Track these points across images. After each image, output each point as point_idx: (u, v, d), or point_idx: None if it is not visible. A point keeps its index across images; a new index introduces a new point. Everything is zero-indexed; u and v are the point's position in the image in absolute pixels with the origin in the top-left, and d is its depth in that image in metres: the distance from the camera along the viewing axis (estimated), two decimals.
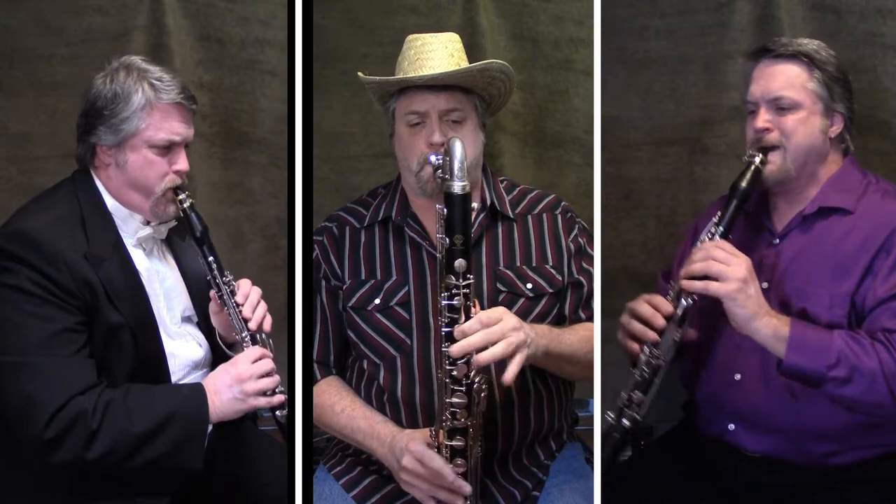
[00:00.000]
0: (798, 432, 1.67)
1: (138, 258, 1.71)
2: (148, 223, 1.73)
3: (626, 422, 1.65)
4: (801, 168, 1.71)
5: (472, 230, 1.80)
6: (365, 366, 1.83)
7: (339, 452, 1.86)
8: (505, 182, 1.93)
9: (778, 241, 1.76)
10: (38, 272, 1.55)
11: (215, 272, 1.70)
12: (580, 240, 1.87)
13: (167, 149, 1.67)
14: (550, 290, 1.82)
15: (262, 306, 1.72)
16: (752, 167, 1.69)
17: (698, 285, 1.62)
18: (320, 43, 2.11)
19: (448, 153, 1.56)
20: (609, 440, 1.66)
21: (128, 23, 2.23)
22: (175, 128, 1.67)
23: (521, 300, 1.80)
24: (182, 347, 1.74)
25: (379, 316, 1.81)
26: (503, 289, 1.80)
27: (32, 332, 1.55)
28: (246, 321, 1.69)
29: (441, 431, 1.62)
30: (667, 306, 1.67)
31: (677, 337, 1.66)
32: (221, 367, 1.67)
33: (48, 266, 1.56)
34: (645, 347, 1.67)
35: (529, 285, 1.81)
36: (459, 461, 1.62)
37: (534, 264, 1.83)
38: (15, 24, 2.18)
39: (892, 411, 1.57)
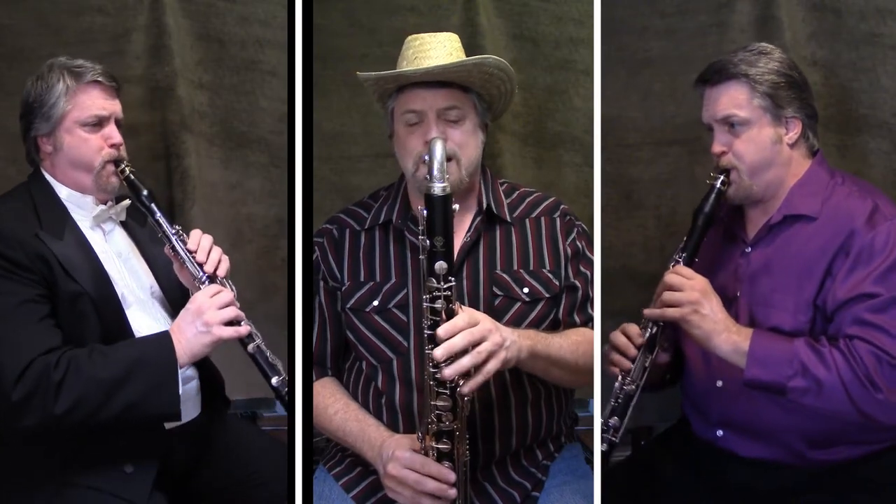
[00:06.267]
0: (784, 435, 1.68)
1: (95, 240, 1.77)
2: (105, 203, 1.80)
3: (604, 446, 1.69)
4: (763, 181, 1.73)
5: (469, 234, 1.81)
6: (363, 367, 1.83)
7: (339, 453, 1.86)
8: (505, 185, 1.92)
9: (749, 249, 1.78)
10: None
11: (164, 226, 1.75)
12: (578, 243, 1.86)
13: (98, 125, 1.77)
14: (547, 295, 1.81)
15: (217, 250, 1.75)
16: (715, 190, 1.73)
17: (656, 313, 1.68)
18: (320, 43, 2.11)
19: (429, 153, 1.55)
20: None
21: (128, 23, 2.24)
22: (99, 104, 1.77)
23: (517, 304, 1.79)
24: (151, 325, 1.76)
25: (377, 318, 1.81)
26: (499, 293, 1.79)
27: None
28: (201, 265, 1.73)
29: (427, 435, 1.61)
30: (638, 335, 1.71)
31: (647, 364, 1.70)
32: (183, 309, 1.71)
33: (2, 246, 1.63)
34: (619, 375, 1.71)
35: (526, 290, 1.80)
36: (446, 464, 1.61)
37: (531, 268, 1.82)
38: (15, 24, 2.18)
39: (856, 418, 1.58)
